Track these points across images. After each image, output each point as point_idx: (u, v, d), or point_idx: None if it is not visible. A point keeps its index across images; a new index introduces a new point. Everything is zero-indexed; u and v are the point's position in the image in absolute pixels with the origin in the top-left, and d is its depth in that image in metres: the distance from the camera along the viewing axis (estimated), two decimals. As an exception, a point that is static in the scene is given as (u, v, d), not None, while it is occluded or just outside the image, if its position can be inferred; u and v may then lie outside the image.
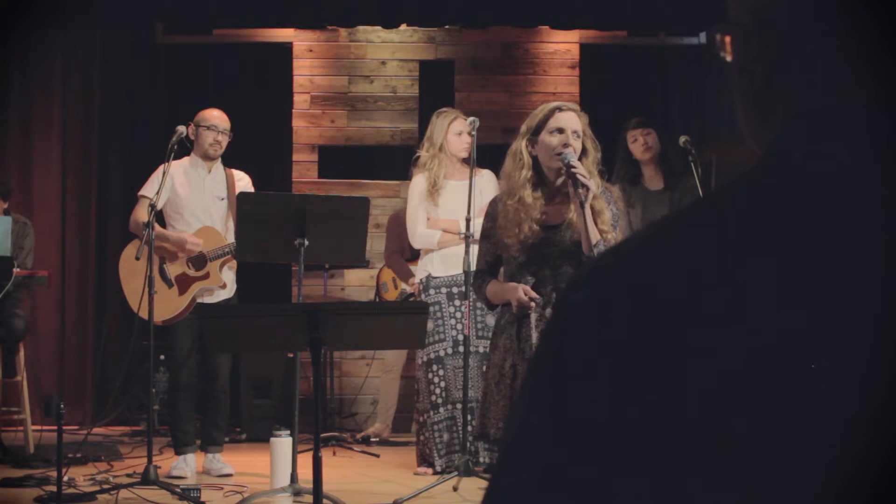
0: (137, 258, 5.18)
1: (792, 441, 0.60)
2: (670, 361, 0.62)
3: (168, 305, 5.56)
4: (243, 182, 5.83)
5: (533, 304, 3.55)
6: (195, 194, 5.67)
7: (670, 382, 0.62)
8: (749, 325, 0.61)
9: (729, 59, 0.75)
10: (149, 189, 5.64)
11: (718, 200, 0.68)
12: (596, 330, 0.65)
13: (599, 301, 0.66)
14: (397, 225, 6.84)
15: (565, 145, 3.63)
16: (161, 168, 5.54)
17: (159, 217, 5.65)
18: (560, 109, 3.71)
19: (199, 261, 5.63)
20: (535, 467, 0.64)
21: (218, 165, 5.81)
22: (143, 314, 5.31)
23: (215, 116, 5.73)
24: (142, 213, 5.61)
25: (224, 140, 5.73)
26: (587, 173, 3.58)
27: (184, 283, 5.57)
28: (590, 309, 0.66)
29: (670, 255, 0.66)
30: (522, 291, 3.56)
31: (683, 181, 5.65)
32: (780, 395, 0.60)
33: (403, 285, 6.78)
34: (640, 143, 5.74)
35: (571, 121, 3.68)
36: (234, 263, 5.75)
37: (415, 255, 6.69)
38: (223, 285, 5.67)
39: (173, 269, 5.62)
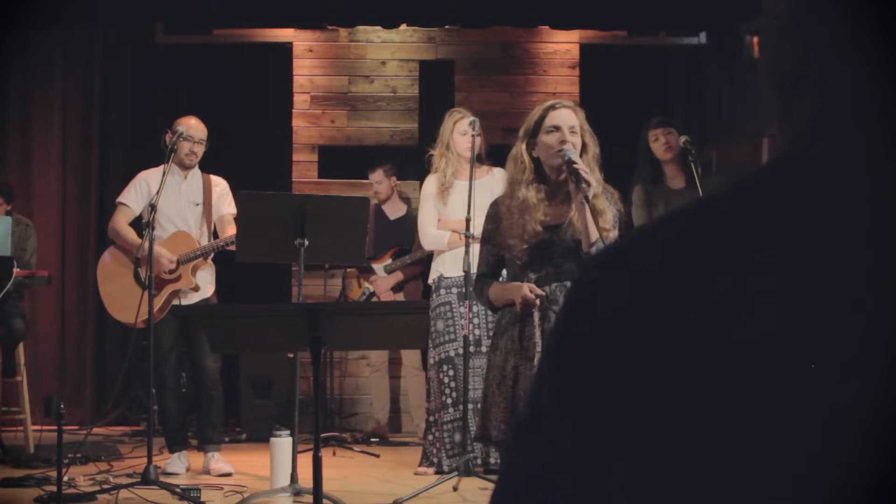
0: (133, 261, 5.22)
1: (788, 434, 0.60)
2: (673, 345, 0.63)
3: (142, 307, 5.56)
4: (220, 187, 5.86)
5: (538, 301, 3.54)
6: (171, 200, 5.69)
7: (672, 366, 0.62)
8: (750, 314, 0.62)
9: (756, 55, 0.76)
10: (127, 197, 5.78)
11: (737, 190, 0.69)
12: (604, 311, 0.66)
13: (609, 282, 0.67)
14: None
15: (563, 142, 3.62)
16: (140, 175, 5.81)
17: (136, 222, 5.75)
18: (554, 108, 3.71)
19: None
20: (543, 446, 0.66)
21: (195, 172, 5.84)
22: (118, 317, 5.72)
23: (192, 126, 5.73)
24: (119, 220, 5.72)
25: (200, 150, 5.76)
26: (588, 169, 3.59)
27: (156, 285, 5.53)
28: (600, 290, 0.68)
29: (682, 239, 0.67)
30: (528, 289, 3.55)
31: (704, 178, 5.63)
32: (779, 386, 0.61)
33: (366, 284, 6.84)
34: (661, 142, 5.69)
35: (567, 117, 3.68)
36: (210, 265, 5.81)
37: (378, 254, 6.79)
38: (195, 288, 5.71)
39: (146, 272, 5.63)
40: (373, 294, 6.76)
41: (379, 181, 7.00)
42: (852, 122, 0.68)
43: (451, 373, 5.57)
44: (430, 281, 5.87)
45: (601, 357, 0.65)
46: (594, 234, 3.52)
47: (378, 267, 6.77)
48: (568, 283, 3.58)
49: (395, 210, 7.03)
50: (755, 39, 0.76)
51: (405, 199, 7.18)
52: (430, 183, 5.73)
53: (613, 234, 3.58)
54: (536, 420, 0.67)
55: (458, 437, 5.52)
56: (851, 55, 0.69)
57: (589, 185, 3.52)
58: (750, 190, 0.68)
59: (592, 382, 0.65)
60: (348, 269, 7.13)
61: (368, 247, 6.78)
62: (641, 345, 0.64)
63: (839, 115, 0.69)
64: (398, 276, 6.72)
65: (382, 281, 6.71)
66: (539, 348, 3.54)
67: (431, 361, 5.69)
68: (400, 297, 6.70)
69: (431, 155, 5.76)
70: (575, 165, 3.55)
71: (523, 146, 3.72)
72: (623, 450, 0.63)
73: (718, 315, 0.62)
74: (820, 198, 0.65)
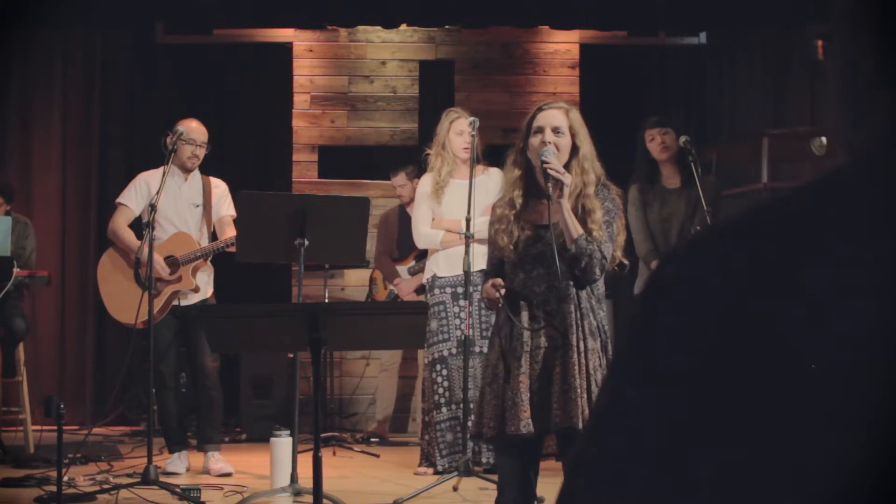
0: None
1: (878, 430, 0.60)
2: (758, 339, 0.62)
3: (142, 308, 5.56)
4: (220, 189, 5.87)
5: (498, 295, 3.58)
6: (171, 201, 5.70)
7: (757, 359, 0.62)
8: (848, 310, 0.61)
9: (821, 58, 0.76)
10: (127, 197, 5.78)
11: (813, 189, 0.69)
12: (686, 303, 0.66)
13: (691, 275, 0.67)
14: (386, 226, 6.88)
15: (543, 142, 3.65)
16: (140, 176, 5.82)
17: (136, 223, 5.75)
18: (542, 109, 3.74)
19: (171, 265, 5.68)
20: (624, 437, 0.66)
21: (195, 174, 5.85)
22: (118, 317, 5.73)
23: (194, 129, 5.73)
24: (119, 221, 5.72)
25: (201, 153, 5.77)
26: (560, 169, 3.60)
27: (157, 286, 5.51)
28: (681, 283, 0.68)
29: (763, 234, 0.67)
30: (490, 284, 3.60)
31: (701, 178, 5.63)
32: (870, 384, 0.60)
33: (391, 285, 6.82)
34: (657, 142, 5.68)
35: (551, 117, 3.69)
36: (209, 266, 5.80)
37: (403, 256, 6.75)
38: (195, 289, 5.72)
39: (146, 273, 5.63)
40: (396, 296, 6.74)
41: (402, 184, 6.94)
42: None
43: (444, 372, 5.57)
44: (424, 280, 5.87)
45: (686, 349, 0.65)
46: (575, 231, 3.55)
47: (402, 269, 6.75)
48: (557, 284, 3.58)
49: None
50: (820, 43, 0.76)
51: None
52: (425, 182, 5.72)
53: (599, 233, 3.60)
54: (617, 411, 0.67)
55: (449, 436, 5.53)
56: None
57: (559, 184, 3.55)
58: (834, 190, 0.67)
59: (677, 375, 0.65)
60: (374, 272, 7.11)
61: (392, 249, 6.79)
62: (727, 338, 0.63)
63: None
64: (421, 278, 6.70)
65: (406, 283, 6.67)
66: (527, 348, 3.56)
67: (425, 361, 5.69)
68: (423, 298, 6.66)
69: (428, 154, 5.76)
70: (545, 165, 3.57)
71: (518, 147, 3.77)
72: (707, 442, 0.63)
73: (809, 310, 0.62)
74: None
